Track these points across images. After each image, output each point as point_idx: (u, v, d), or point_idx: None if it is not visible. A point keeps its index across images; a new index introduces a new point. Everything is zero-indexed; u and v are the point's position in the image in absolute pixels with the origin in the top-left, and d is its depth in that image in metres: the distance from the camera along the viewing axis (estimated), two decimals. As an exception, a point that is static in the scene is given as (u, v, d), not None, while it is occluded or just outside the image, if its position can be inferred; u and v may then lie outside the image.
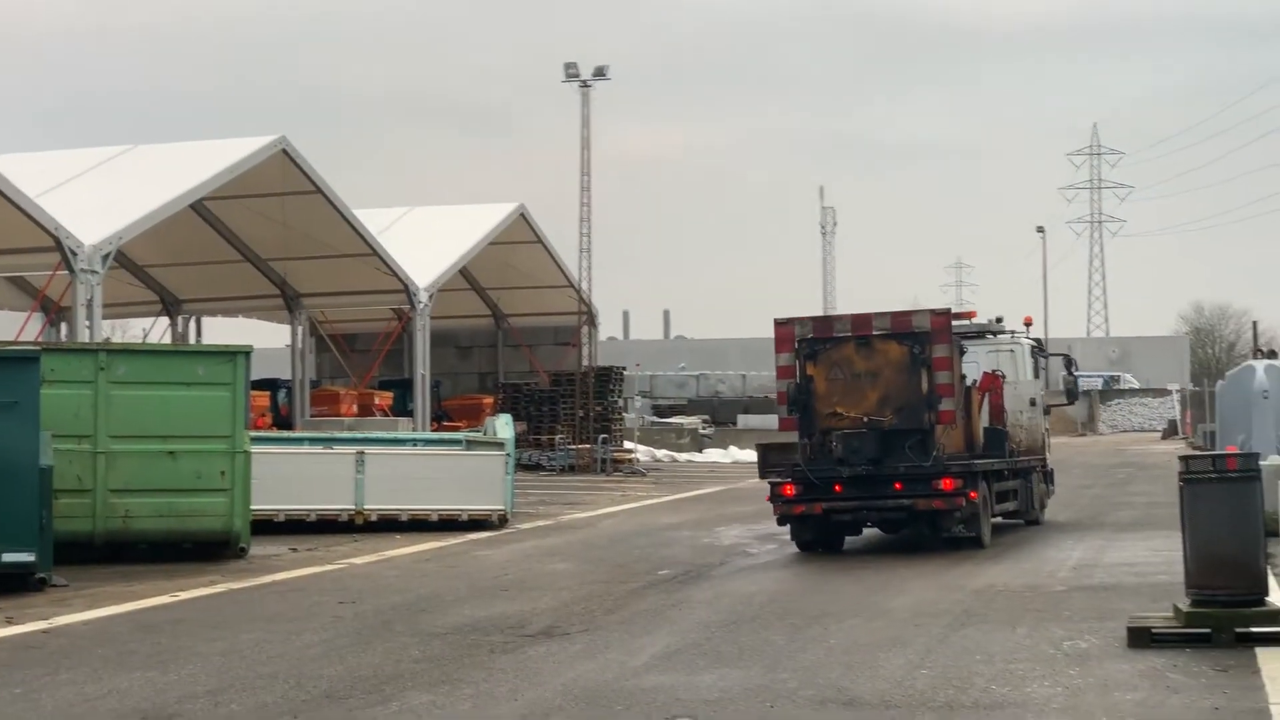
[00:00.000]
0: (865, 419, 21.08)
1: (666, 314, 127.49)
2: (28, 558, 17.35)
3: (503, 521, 26.06)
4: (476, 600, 16.49)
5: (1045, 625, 13.86)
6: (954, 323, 22.00)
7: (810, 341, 21.47)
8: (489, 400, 50.71)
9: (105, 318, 33.83)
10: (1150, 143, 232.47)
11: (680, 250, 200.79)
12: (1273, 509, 16.42)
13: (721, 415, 69.50)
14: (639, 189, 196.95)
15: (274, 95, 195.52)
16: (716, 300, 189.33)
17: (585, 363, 50.91)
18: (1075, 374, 28.18)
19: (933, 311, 21.66)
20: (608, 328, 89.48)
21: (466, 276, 51.06)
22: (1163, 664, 11.66)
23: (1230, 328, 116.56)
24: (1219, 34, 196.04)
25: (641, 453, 50.20)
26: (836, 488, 21.05)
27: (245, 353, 20.88)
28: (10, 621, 15.07)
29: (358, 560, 21.00)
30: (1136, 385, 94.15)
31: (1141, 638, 12.48)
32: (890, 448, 21.01)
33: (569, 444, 46.45)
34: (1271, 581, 13.38)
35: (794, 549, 21.82)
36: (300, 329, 46.45)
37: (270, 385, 48.39)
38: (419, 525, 25.16)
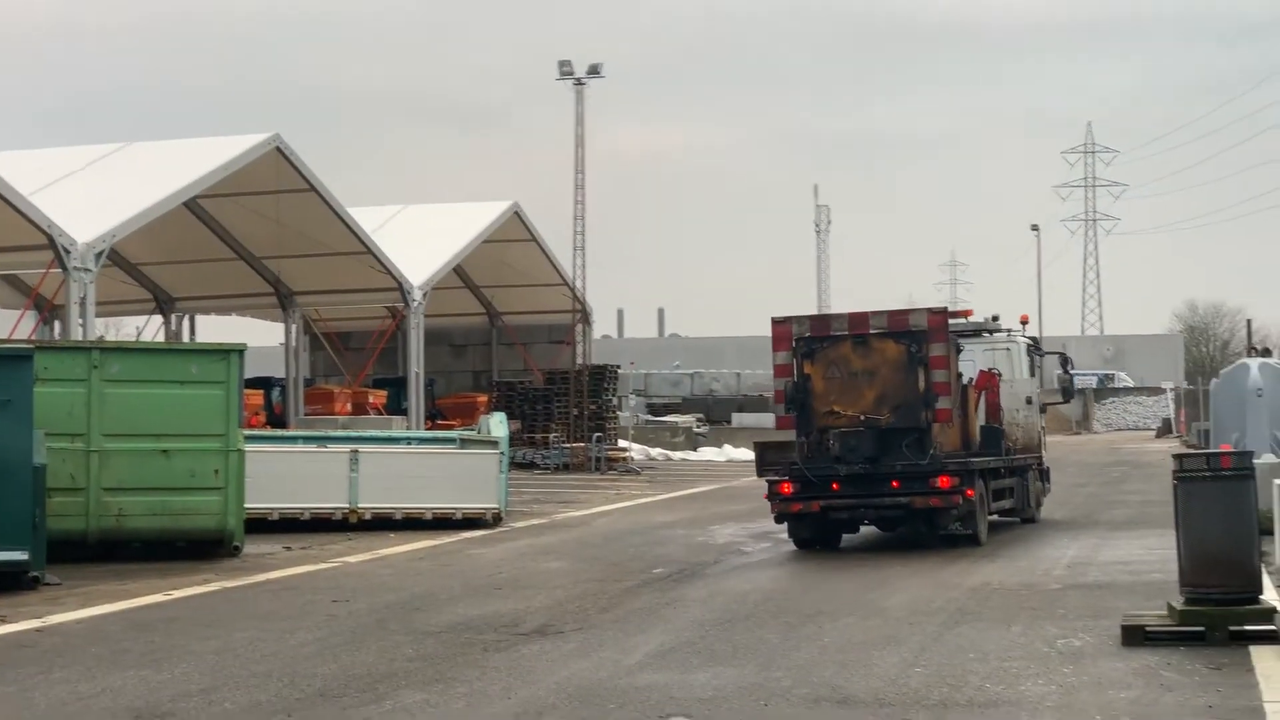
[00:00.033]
0: (862, 417, 21.13)
1: (661, 312, 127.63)
2: (21, 556, 17.35)
3: (497, 520, 26.06)
4: (470, 599, 16.48)
5: (1040, 623, 13.86)
6: (950, 321, 22.04)
7: (808, 340, 21.52)
8: (483, 399, 50.69)
9: (99, 316, 33.79)
10: (1144, 141, 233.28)
11: (675, 248, 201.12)
12: (1267, 507, 16.41)
13: (716, 414, 69.49)
14: (635, 187, 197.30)
15: (273, 94, 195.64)
16: (711, 298, 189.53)
17: (579, 361, 50.89)
18: (1071, 372, 28.21)
19: (929, 310, 21.71)
20: (602, 326, 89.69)
21: (461, 275, 51.03)
22: (1157, 662, 11.66)
23: (1224, 326, 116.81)
24: (1213, 32, 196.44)
25: (636, 451, 50.19)
26: (834, 486, 21.12)
27: (239, 351, 20.87)
28: (4, 620, 15.05)
29: (352, 559, 20.99)
30: (1131, 383, 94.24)
31: (1136, 636, 12.48)
32: (887, 446, 21.07)
33: (563, 442, 46.44)
34: (1265, 580, 13.38)
35: (788, 547, 21.84)
36: (294, 327, 46.42)
37: (264, 383, 48.33)
38: (413, 524, 25.15)
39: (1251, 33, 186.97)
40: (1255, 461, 13.85)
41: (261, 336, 58.31)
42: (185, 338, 47.67)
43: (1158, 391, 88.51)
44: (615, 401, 52.49)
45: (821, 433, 21.43)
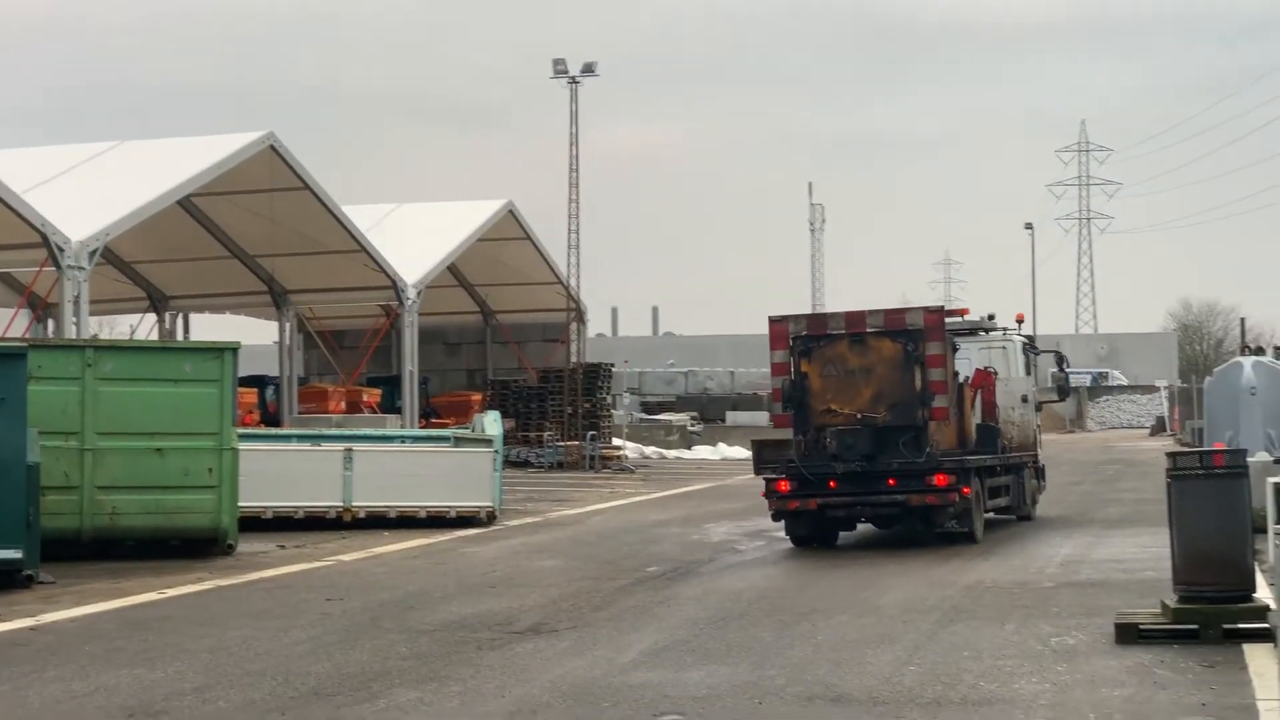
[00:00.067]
0: (859, 415, 21.20)
1: (655, 310, 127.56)
2: (15, 555, 17.33)
3: (491, 518, 26.06)
4: (464, 597, 16.48)
5: (1033, 621, 13.87)
6: (947, 320, 22.12)
7: (805, 339, 21.60)
8: (477, 397, 50.67)
9: (92, 314, 33.72)
10: (1138, 140, 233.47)
11: (670, 247, 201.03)
12: (1260, 505, 16.41)
13: (710, 412, 69.53)
14: (630, 186, 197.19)
15: (272, 93, 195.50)
16: (706, 297, 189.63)
17: (574, 359, 50.88)
18: (1066, 371, 28.27)
19: (926, 309, 21.77)
20: (596, 324, 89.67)
21: (455, 273, 51.01)
22: (1150, 660, 11.67)
23: (1218, 324, 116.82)
24: (1208, 31, 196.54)
25: (630, 449, 50.19)
26: (831, 484, 21.20)
27: (233, 349, 20.86)
28: (-3, 619, 15.04)
29: (346, 557, 20.98)
30: (1125, 382, 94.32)
31: (1129, 634, 12.50)
32: (884, 444, 21.15)
33: (557, 441, 46.43)
34: (1259, 578, 13.39)
35: (782, 545, 21.87)
36: (288, 325, 46.37)
37: (258, 382, 48.28)
38: (407, 522, 25.15)
39: (1248, 32, 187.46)
40: (1249, 460, 13.85)
41: (255, 335, 58.20)
42: (179, 336, 47.62)
43: (1151, 390, 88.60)
44: (609, 400, 52.48)
45: (818, 431, 21.48)
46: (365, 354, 48.42)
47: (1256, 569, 13.16)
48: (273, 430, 35.67)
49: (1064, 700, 10.37)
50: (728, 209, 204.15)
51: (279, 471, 24.76)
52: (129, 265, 44.24)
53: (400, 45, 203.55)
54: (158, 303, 46.66)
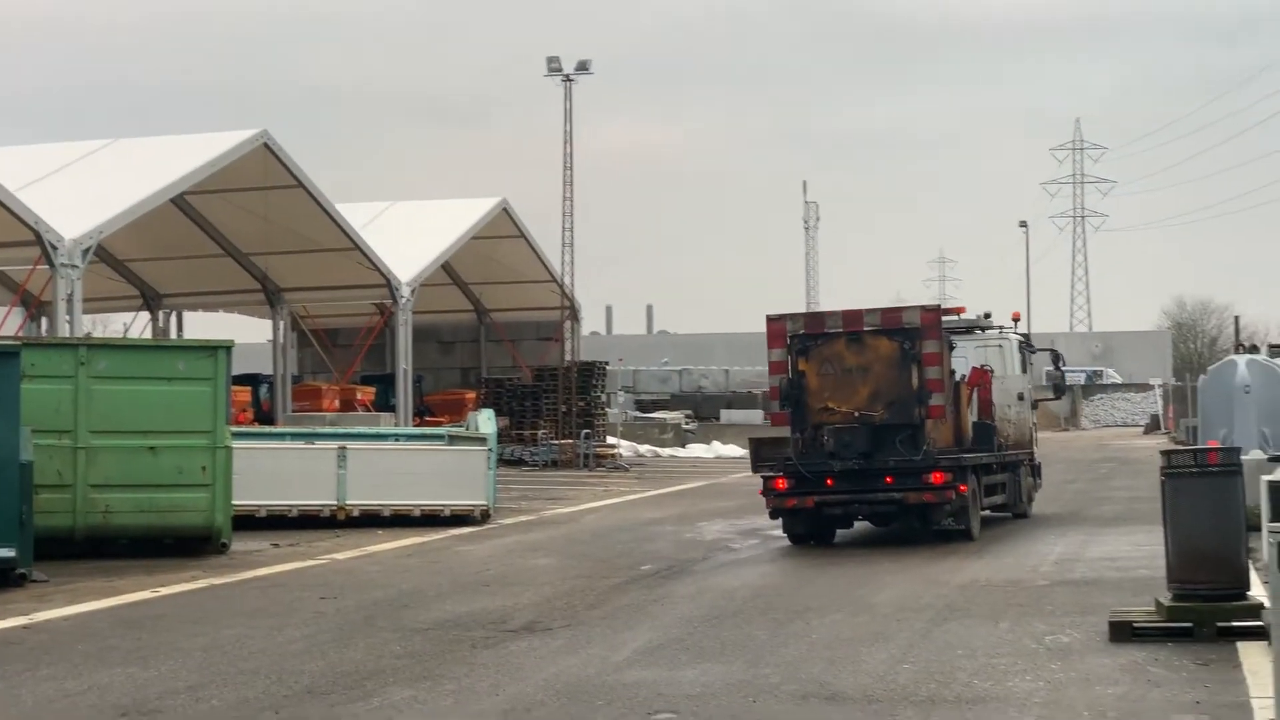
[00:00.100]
0: (856, 414, 21.26)
1: (650, 309, 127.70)
2: (8, 553, 17.31)
3: (485, 517, 26.05)
4: (458, 595, 16.47)
5: (1027, 620, 13.87)
6: (943, 319, 22.17)
7: (802, 337, 21.65)
8: (471, 395, 50.65)
9: (86, 312, 33.76)
10: (1133, 138, 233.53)
11: (664, 245, 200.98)
12: (1254, 503, 16.41)
13: (704, 410, 69.55)
14: (625, 184, 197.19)
15: (271, 92, 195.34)
16: (700, 295, 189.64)
17: (568, 358, 50.88)
18: (1062, 369, 28.34)
19: (923, 308, 21.83)
20: (590, 322, 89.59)
21: (449, 271, 50.99)
22: (1144, 658, 11.67)
23: (1212, 322, 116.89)
24: (1204, 29, 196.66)
25: (624, 448, 50.18)
26: (828, 481, 21.28)
27: (226, 347, 20.83)
28: (-10, 617, 15.02)
29: (340, 555, 20.97)
30: (1119, 380, 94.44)
31: (1123, 632, 12.50)
32: (881, 442, 21.20)
33: (551, 439, 46.43)
34: (1253, 576, 13.39)
35: (777, 544, 21.89)
36: (282, 324, 46.36)
37: (252, 380, 48.28)
38: (401, 520, 25.13)
39: (1243, 29, 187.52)
40: (1243, 458, 13.85)
41: (249, 333, 58.19)
42: (173, 334, 47.58)
43: (1146, 388, 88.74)
44: (604, 398, 52.48)
45: (816, 429, 21.54)
46: (359, 352, 48.39)
47: (1250, 567, 13.15)
48: (266, 429, 35.64)
49: (1058, 698, 10.37)
50: (722, 207, 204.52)
51: (273, 470, 24.75)
52: (122, 263, 44.20)
53: (401, 45, 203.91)
54: (151, 301, 46.62)
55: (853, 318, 21.61)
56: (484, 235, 48.70)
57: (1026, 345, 27.09)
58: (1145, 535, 20.37)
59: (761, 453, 22.71)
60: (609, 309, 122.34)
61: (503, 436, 38.25)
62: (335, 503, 25.15)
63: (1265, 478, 11.26)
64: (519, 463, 44.91)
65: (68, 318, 30.45)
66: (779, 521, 22.08)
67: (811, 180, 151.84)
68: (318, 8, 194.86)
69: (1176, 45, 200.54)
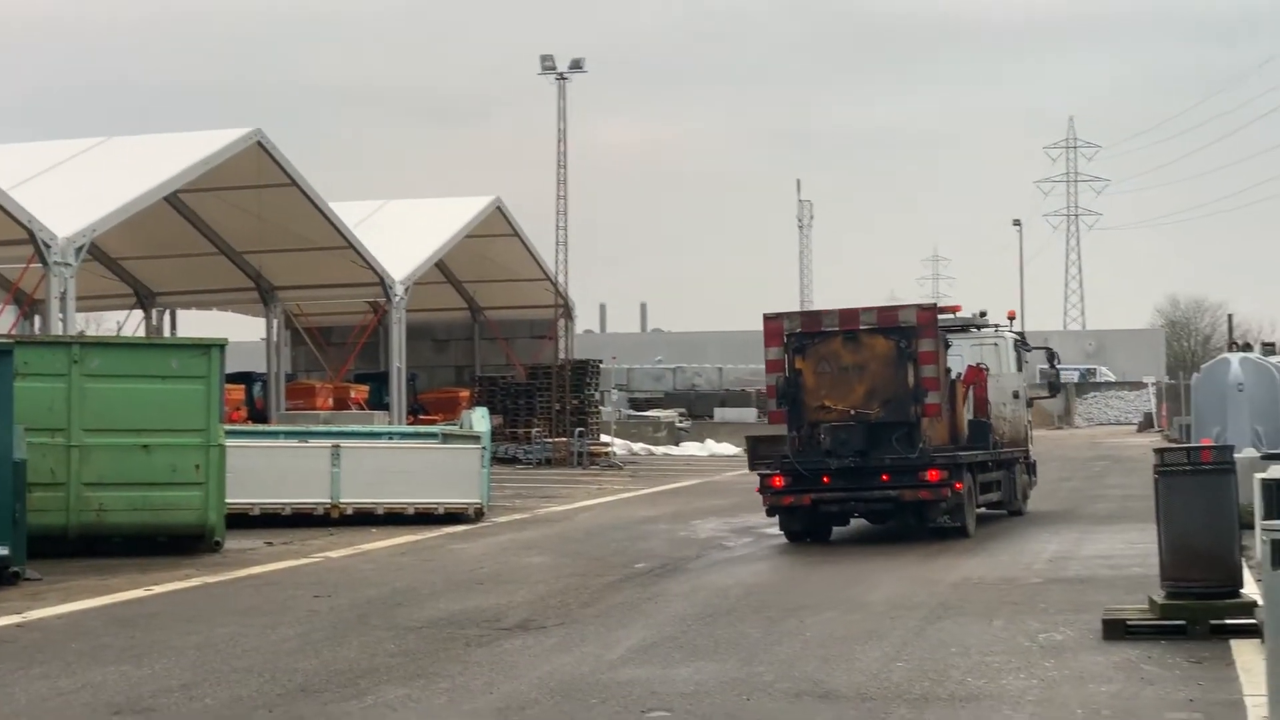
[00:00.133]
0: (853, 412, 21.33)
1: (644, 307, 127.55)
2: (1, 551, 17.29)
3: (479, 515, 26.05)
4: (452, 594, 16.46)
5: (1021, 618, 13.88)
6: (939, 317, 22.23)
7: (799, 336, 21.72)
8: (465, 393, 50.63)
9: (79, 311, 33.72)
10: (1127, 136, 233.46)
11: (658, 244, 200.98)
12: (1247, 501, 16.44)
13: (698, 409, 69.56)
14: (624, 183, 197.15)
15: (271, 92, 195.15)
16: (694, 293, 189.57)
17: (562, 356, 50.88)
18: (1057, 367, 28.40)
19: (919, 306, 21.95)
20: (584, 321, 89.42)
21: (443, 269, 50.99)
22: (1137, 656, 11.68)
23: (1206, 321, 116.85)
24: (1196, 28, 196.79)
25: (618, 446, 50.17)
26: (825, 479, 21.38)
27: (220, 346, 20.83)
28: (-17, 616, 15.01)
29: (333, 554, 20.96)
30: (1112, 378, 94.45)
31: (1116, 630, 12.51)
32: (877, 440, 21.27)
33: (545, 437, 46.41)
34: (1246, 574, 13.41)
35: (770, 542, 21.91)
36: (275, 322, 46.33)
37: (245, 378, 48.24)
38: (395, 519, 25.11)
39: (1238, 27, 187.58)
40: (1236, 456, 13.86)
41: (243, 331, 58.36)
42: (166, 333, 47.56)
43: (1139, 386, 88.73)
44: (597, 396, 52.48)
45: (812, 427, 21.61)
46: (353, 350, 48.40)
47: (1244, 565, 13.18)
48: (260, 427, 35.64)
49: (1051, 696, 10.38)
50: (717, 205, 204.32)
51: (266, 468, 24.74)
52: (116, 261, 44.16)
53: (400, 45, 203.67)
54: (145, 299, 46.59)
55: (849, 316, 21.69)
56: (478, 234, 48.71)
57: (1022, 343, 27.16)
58: (1139, 533, 20.40)
59: (759, 450, 22.77)
60: (603, 307, 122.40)
61: (496, 434, 38.26)
62: (329, 501, 25.13)
63: (1258, 476, 11.31)
64: (513, 461, 44.91)
65: (61, 316, 30.42)
66: (773, 519, 22.13)
67: (809, 180, 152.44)
68: (317, 8, 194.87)
69: (1176, 45, 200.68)
